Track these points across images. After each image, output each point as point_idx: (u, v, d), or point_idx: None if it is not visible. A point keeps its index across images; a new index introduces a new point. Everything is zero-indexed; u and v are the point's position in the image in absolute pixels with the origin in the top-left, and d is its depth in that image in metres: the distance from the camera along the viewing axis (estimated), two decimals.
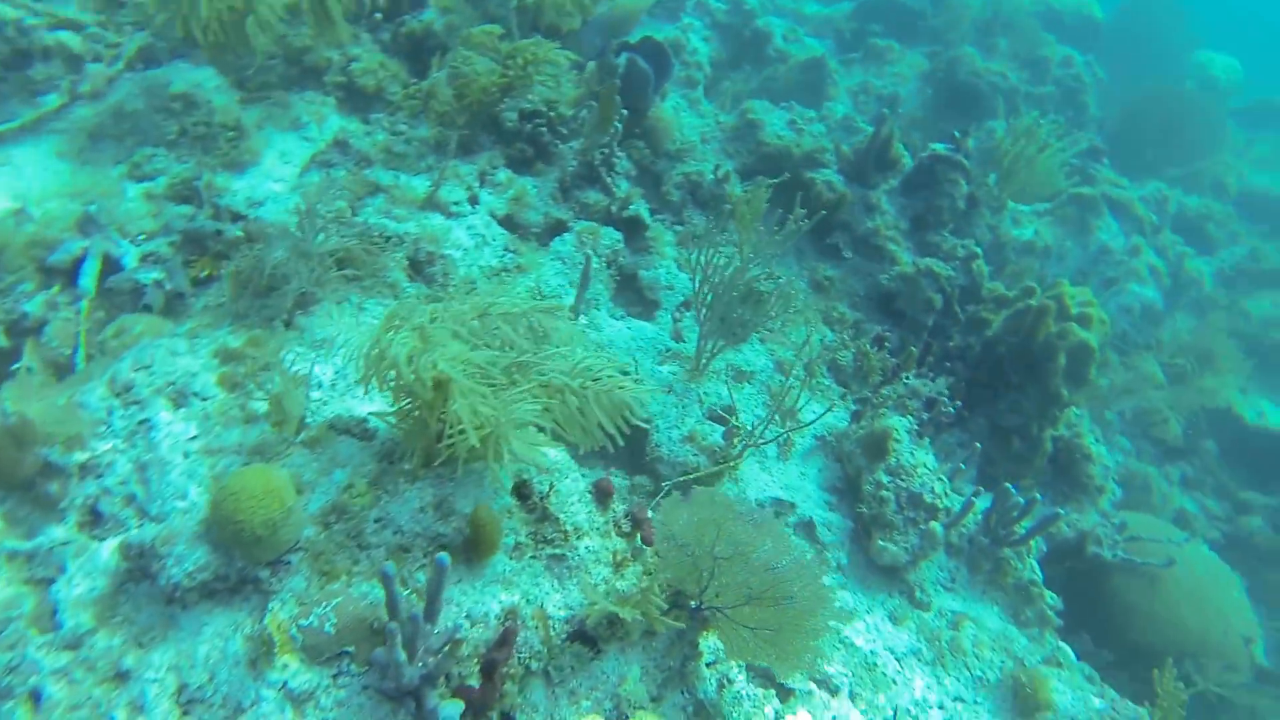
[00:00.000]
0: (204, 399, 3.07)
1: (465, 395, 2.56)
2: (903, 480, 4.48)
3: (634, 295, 5.44)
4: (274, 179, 4.63)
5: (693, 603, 3.27)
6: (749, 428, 4.56)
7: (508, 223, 5.03)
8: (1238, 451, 7.56)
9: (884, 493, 4.46)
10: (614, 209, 5.33)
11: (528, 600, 3.03)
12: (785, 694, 3.52)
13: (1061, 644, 4.58)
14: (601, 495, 3.48)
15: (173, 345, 3.19)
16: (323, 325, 3.69)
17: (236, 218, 4.31)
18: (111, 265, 3.86)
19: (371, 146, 4.91)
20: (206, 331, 3.40)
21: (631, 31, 5.73)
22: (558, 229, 5.19)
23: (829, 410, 5.00)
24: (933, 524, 4.38)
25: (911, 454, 4.60)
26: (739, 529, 2.96)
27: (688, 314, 5.30)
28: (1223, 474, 7.51)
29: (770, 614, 3.08)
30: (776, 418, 5.00)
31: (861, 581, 4.46)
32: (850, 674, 3.78)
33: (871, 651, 3.98)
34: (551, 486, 3.29)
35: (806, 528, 4.58)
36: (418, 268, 4.33)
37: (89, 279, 3.74)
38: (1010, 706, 3.97)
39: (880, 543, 4.38)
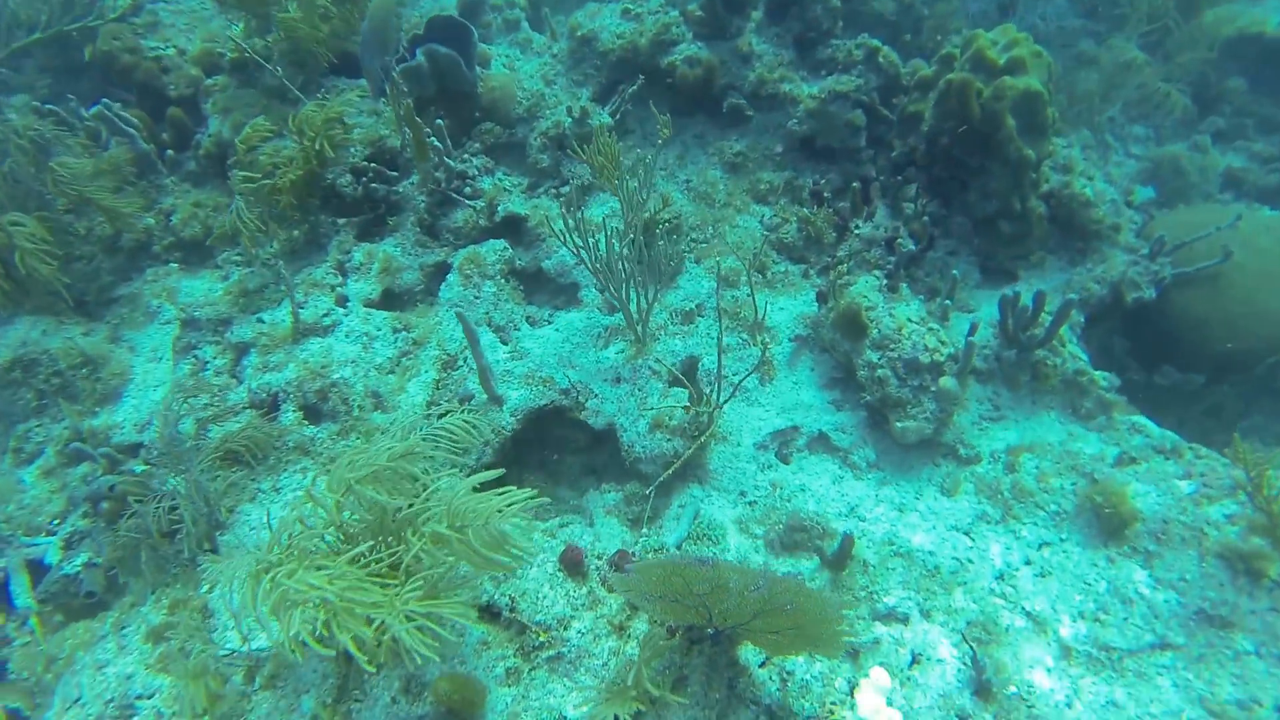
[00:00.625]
0: (149, 696, 2.94)
1: (343, 629, 2.29)
2: (892, 350, 4.00)
3: (550, 288, 5.01)
4: (154, 384, 4.39)
5: (709, 630, 3.00)
6: (712, 378, 4.13)
7: (387, 299, 4.65)
8: (1270, 74, 6.54)
9: (880, 371, 4.00)
10: (483, 221, 4.85)
11: None
12: (853, 654, 3.25)
13: (1135, 418, 4.09)
14: (572, 567, 3.20)
15: (99, 655, 3.06)
16: (247, 534, 3.49)
17: (135, 449, 4.12)
18: (39, 568, 3.74)
19: (224, 298, 4.57)
20: (132, 614, 3.26)
21: (396, 29, 5.07)
22: (440, 273, 4.77)
23: (754, 369, 4.52)
24: (942, 381, 3.91)
25: (890, 315, 4.09)
26: (700, 570, 2.62)
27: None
28: (1262, 106, 6.54)
29: (784, 619, 2.76)
30: (745, 338, 4.56)
31: (899, 468, 4.08)
32: (915, 590, 3.46)
33: (932, 551, 3.63)
34: (513, 599, 3.03)
35: (821, 443, 4.20)
36: (314, 412, 4.04)
37: (23, 595, 3.64)
38: (1097, 530, 3.57)
39: (899, 424, 3.96)
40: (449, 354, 4.33)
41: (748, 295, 4.62)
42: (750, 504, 3.94)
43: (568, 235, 4.13)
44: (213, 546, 3.46)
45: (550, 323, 4.82)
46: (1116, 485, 3.54)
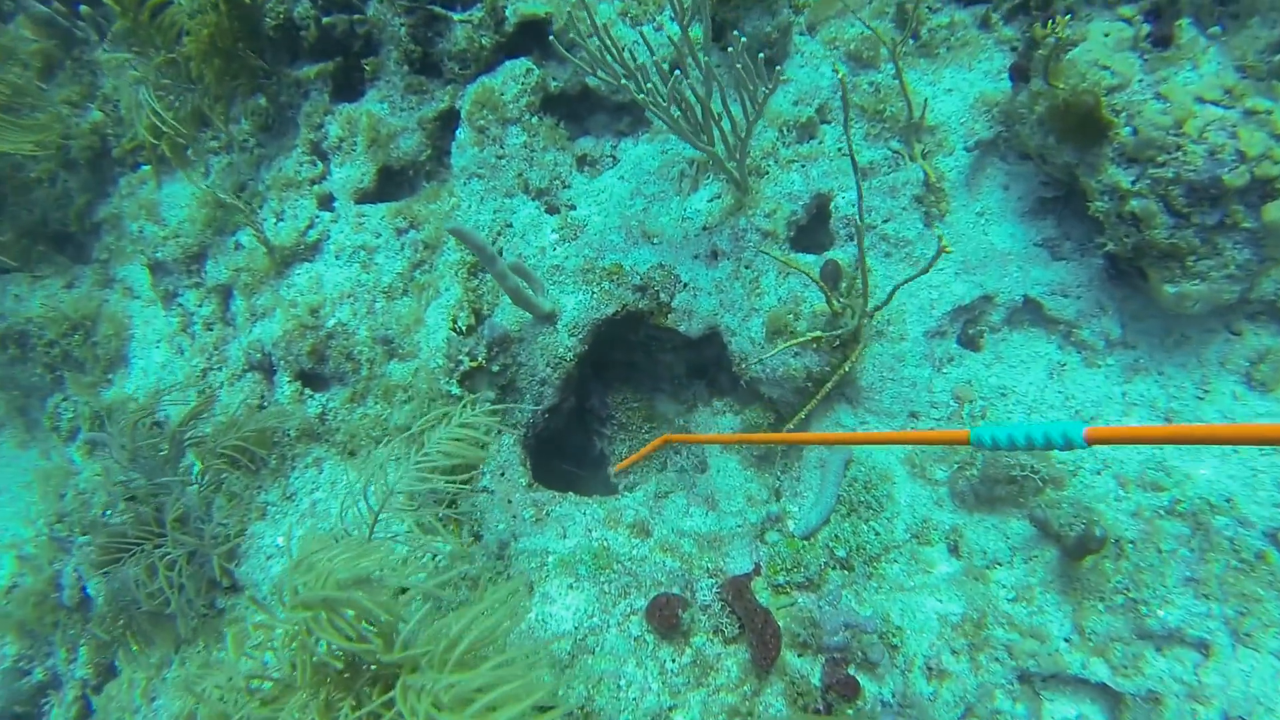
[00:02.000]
0: None
1: None
2: (1162, 163, 2.24)
3: (607, 108, 3.42)
4: (155, 339, 3.51)
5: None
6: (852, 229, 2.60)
7: (385, 182, 3.31)
8: None
9: (1136, 203, 2.29)
10: (487, 39, 3.22)
11: None
12: (1110, 707, 2.04)
13: None
14: (665, 625, 2.11)
15: None
16: (261, 565, 2.68)
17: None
18: None
19: (200, 214, 3.43)
20: (159, 678, 2.63)
21: None
22: (449, 124, 3.31)
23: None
24: (1270, 211, 2.15)
25: (1158, 96, 2.26)
26: None
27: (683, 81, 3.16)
28: None
29: None
30: (896, 149, 2.87)
31: (1161, 343, 2.50)
32: (1217, 588, 2.09)
33: (1230, 496, 2.18)
34: (584, 703, 2.02)
35: (1029, 313, 2.66)
36: (314, 378, 3.00)
37: None
38: None
39: (1171, 289, 2.32)
40: (467, 264, 3.03)
41: (893, 78, 2.83)
42: None
43: (593, 51, 2.52)
44: (232, 582, 2.69)
45: (614, 159, 3.33)
46: None
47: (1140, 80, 2.32)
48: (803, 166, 2.91)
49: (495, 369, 2.72)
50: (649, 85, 2.53)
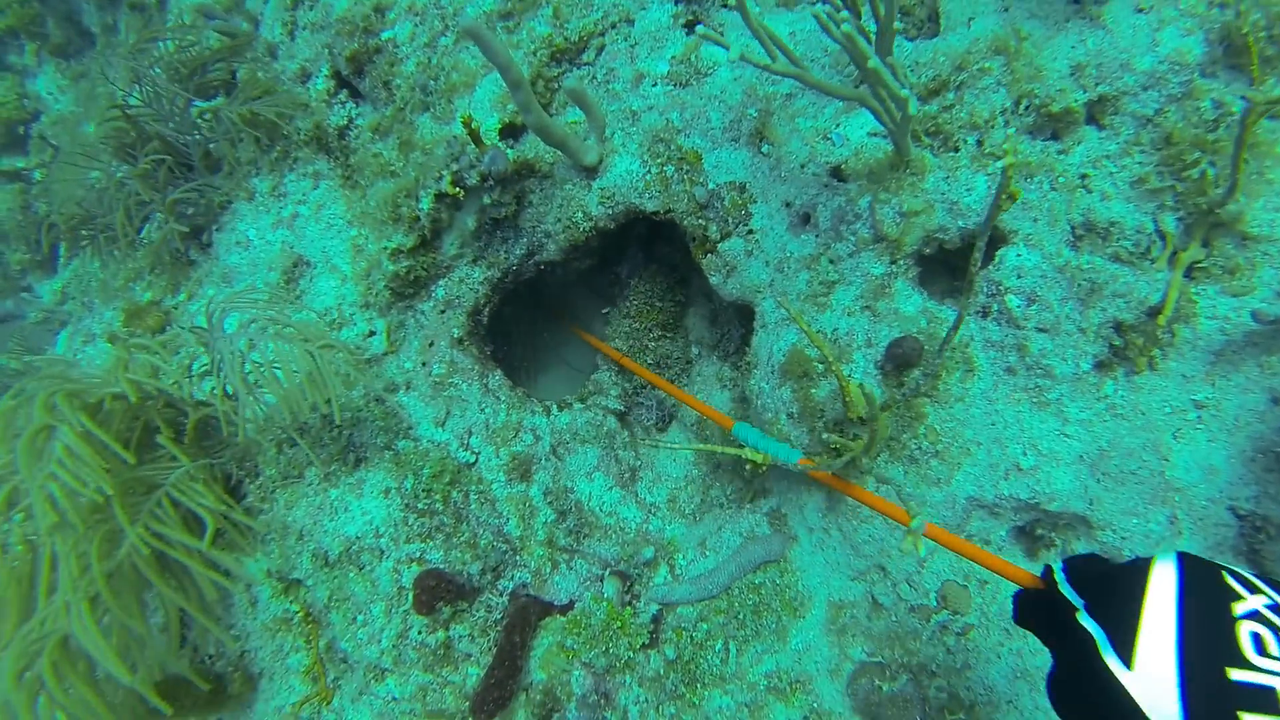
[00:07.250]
0: None
1: None
2: None
3: None
4: None
5: None
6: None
7: None
8: None
9: None
10: None
11: None
12: None
13: None
14: (421, 606, 1.73)
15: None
16: (230, 250, 2.47)
17: None
18: None
19: None
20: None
21: None
22: None
23: None
24: None
25: None
26: None
27: None
28: None
29: None
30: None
31: None
32: None
33: None
34: (329, 597, 1.75)
35: None
36: (348, 89, 2.42)
37: None
38: None
39: None
40: (568, 35, 2.19)
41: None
42: (868, 590, 1.81)
43: None
44: (210, 241, 2.51)
45: None
46: None
47: None
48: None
49: (487, 200, 2.09)
50: None
